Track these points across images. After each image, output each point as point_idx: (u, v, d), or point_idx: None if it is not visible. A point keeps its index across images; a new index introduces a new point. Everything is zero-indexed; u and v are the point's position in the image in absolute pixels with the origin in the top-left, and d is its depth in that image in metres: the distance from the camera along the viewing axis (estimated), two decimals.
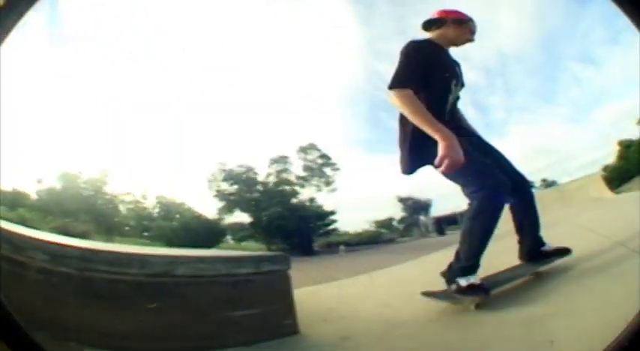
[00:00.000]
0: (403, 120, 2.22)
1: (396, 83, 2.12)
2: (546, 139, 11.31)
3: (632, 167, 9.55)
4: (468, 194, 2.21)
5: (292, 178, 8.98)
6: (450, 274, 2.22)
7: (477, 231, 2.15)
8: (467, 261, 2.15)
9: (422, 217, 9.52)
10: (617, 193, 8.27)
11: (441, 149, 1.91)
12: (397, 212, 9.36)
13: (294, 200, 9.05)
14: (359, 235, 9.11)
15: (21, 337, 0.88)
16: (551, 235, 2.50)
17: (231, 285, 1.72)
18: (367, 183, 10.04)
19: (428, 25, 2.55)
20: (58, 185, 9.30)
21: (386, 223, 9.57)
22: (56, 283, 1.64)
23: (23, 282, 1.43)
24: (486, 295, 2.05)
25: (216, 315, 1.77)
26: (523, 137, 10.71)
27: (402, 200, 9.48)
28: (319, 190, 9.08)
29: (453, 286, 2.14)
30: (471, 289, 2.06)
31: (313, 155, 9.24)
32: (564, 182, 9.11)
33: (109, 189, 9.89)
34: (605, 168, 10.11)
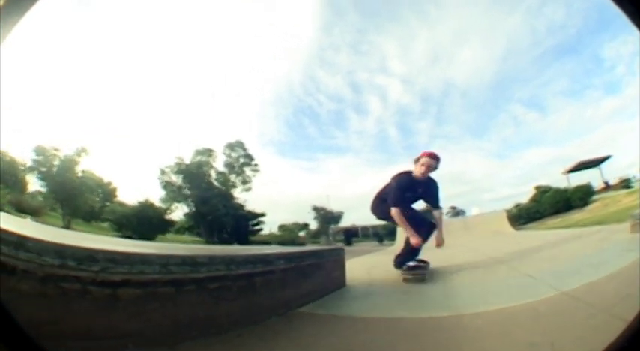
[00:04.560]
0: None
1: (393, 204, 3.55)
2: (464, 170, 12.30)
3: (543, 210, 10.77)
4: None
5: (212, 173, 9.80)
6: (399, 262, 3.53)
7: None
8: (411, 254, 3.50)
9: (332, 227, 10.39)
10: (519, 229, 9.41)
11: (411, 241, 3.41)
12: (305, 218, 10.27)
13: (233, 201, 9.86)
14: (277, 236, 9.95)
15: (19, 337, 0.89)
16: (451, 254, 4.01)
17: (333, 262, 3.18)
18: (283, 187, 10.74)
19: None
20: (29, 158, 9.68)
21: (301, 229, 10.45)
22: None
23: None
24: (426, 268, 3.41)
25: (329, 273, 3.10)
26: (441, 164, 11.46)
27: (315, 209, 10.39)
28: (234, 187, 9.90)
29: (405, 267, 3.39)
30: (417, 266, 3.39)
31: (238, 153, 10.24)
32: (471, 215, 10.22)
33: (80, 169, 10.41)
34: (517, 206, 11.31)
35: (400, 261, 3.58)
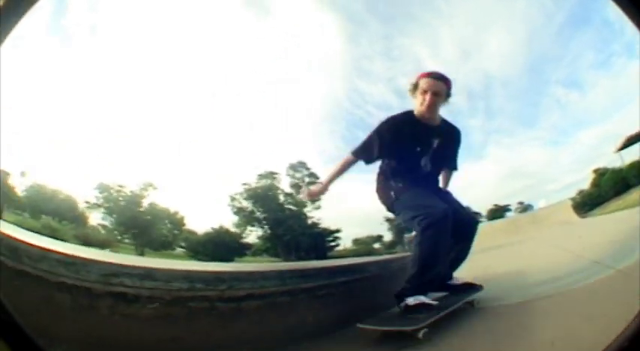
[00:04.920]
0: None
1: (352, 150, 2.41)
2: (524, 163, 12.32)
3: (604, 194, 10.82)
4: (412, 226, 2.20)
5: (281, 194, 10.22)
6: (399, 292, 2.14)
7: (419, 254, 2.10)
8: (416, 282, 2.06)
9: (406, 236, 10.62)
10: (584, 217, 9.57)
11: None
12: (377, 229, 10.56)
13: (309, 220, 10.34)
14: (353, 250, 10.37)
15: (22, 337, 0.89)
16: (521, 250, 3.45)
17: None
18: (352, 201, 10.92)
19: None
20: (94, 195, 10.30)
21: (375, 240, 10.85)
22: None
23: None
24: (436, 313, 1.93)
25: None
26: (501, 160, 11.53)
27: (388, 220, 10.66)
28: (304, 206, 10.21)
29: (402, 305, 2.03)
30: (421, 306, 1.97)
31: (302, 173, 10.33)
32: (538, 207, 10.44)
33: (147, 202, 10.99)
34: (580, 192, 11.37)
35: (401, 290, 2.10)
